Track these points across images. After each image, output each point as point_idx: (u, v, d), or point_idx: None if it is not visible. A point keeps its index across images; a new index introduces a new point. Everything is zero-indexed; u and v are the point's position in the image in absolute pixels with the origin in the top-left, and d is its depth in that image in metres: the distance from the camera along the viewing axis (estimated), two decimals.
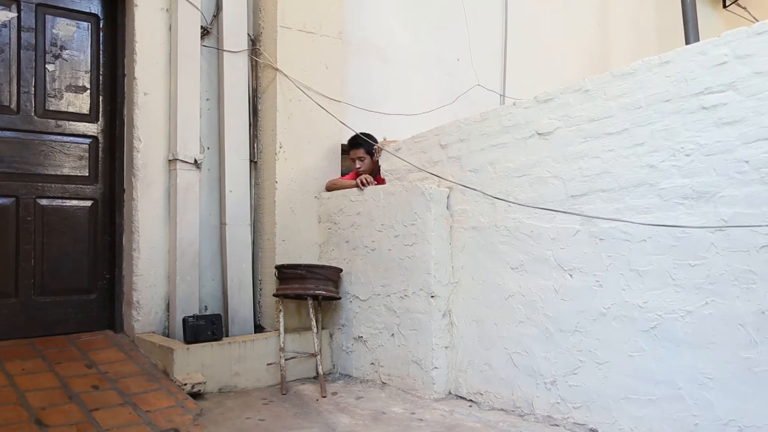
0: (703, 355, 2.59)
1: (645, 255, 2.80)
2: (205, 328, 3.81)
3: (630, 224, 2.84)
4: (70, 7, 4.15)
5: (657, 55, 2.83)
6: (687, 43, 6.10)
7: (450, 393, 3.70)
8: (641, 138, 2.84)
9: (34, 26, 4.00)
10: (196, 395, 3.55)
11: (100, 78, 4.25)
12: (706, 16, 7.55)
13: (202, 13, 4.30)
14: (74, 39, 4.16)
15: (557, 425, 3.10)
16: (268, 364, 3.97)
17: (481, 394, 3.53)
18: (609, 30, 7.09)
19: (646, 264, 2.79)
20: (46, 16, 4.05)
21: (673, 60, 2.75)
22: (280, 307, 4.01)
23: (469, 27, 5.81)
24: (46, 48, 4.05)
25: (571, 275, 3.11)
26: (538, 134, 3.30)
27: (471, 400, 3.58)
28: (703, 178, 2.62)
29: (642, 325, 2.80)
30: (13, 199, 3.90)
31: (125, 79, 4.20)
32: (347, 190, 4.32)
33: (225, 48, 4.36)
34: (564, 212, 3.12)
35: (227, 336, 4.14)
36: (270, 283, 4.31)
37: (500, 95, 6.03)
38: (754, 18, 8.10)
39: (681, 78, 2.71)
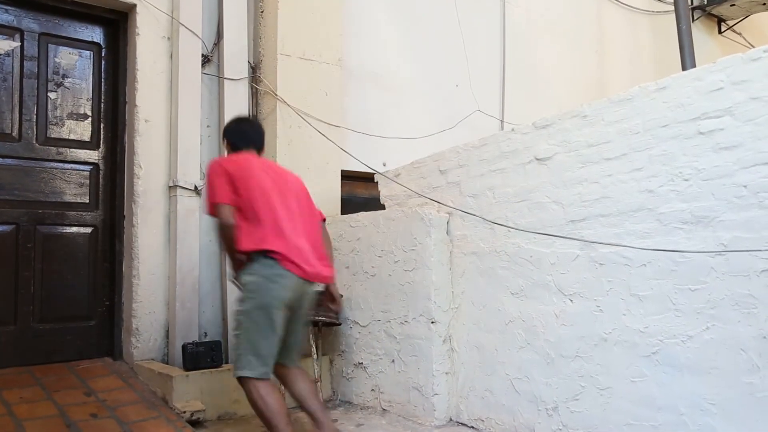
0: (705, 380, 2.58)
1: (645, 280, 2.80)
2: (205, 354, 3.78)
3: (630, 249, 2.85)
4: (73, 36, 4.19)
5: (654, 81, 2.86)
6: (683, 69, 6.15)
7: (451, 420, 3.67)
8: (639, 163, 2.85)
9: (36, 55, 4.04)
10: (196, 423, 3.51)
11: (102, 105, 4.28)
12: (702, 42, 7.63)
13: (203, 41, 4.35)
14: (76, 67, 4.20)
15: None
16: None
17: (483, 421, 3.50)
18: (606, 56, 7.15)
19: (647, 289, 2.79)
20: (49, 45, 4.09)
21: (670, 86, 2.78)
22: None
23: (467, 53, 5.87)
24: (49, 76, 4.09)
25: (571, 300, 3.10)
26: (537, 160, 3.32)
27: (472, 427, 3.55)
28: (701, 202, 2.63)
29: (643, 351, 2.79)
30: (14, 226, 3.90)
31: (126, 106, 4.23)
32: (349, 215, 4.33)
33: (226, 76, 4.40)
34: (563, 237, 3.13)
35: (227, 363, 4.11)
36: None
37: (499, 121, 6.07)
38: (749, 44, 8.19)
39: (678, 104, 2.73)
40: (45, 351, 3.92)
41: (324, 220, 3.34)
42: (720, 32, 8.37)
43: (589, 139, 3.08)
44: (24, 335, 3.88)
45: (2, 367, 3.72)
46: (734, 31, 8.38)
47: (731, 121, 2.56)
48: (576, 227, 3.10)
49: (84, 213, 4.17)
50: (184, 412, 3.50)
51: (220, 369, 3.82)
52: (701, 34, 7.87)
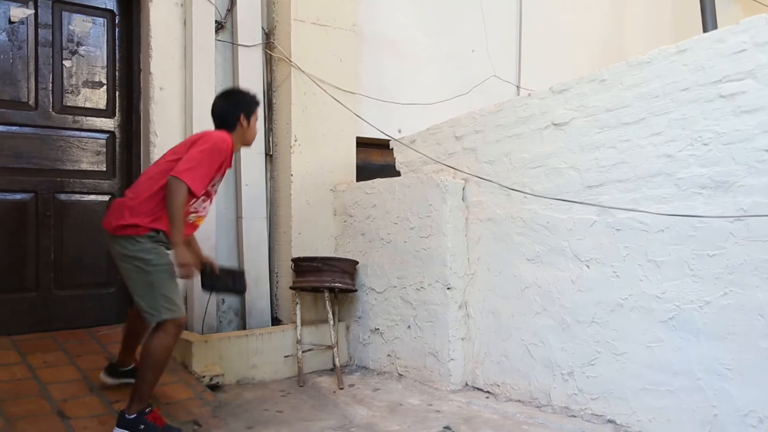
0: (722, 345, 2.57)
1: (663, 245, 2.78)
2: (225, 278, 3.46)
3: (647, 214, 2.82)
4: (86, 4, 4.17)
5: (674, 43, 2.80)
6: (705, 31, 6.03)
7: (467, 384, 3.70)
8: (658, 127, 2.82)
9: (51, 23, 4.03)
10: (215, 387, 3.58)
11: (117, 73, 4.28)
12: (724, 3, 7.44)
13: (216, 7, 4.31)
14: (90, 35, 4.19)
15: (575, 416, 3.10)
16: (285, 357, 4.00)
17: (498, 386, 3.53)
18: (624, 19, 7.02)
19: (664, 254, 2.78)
20: (63, 13, 4.08)
21: (691, 48, 2.72)
22: (297, 300, 4.03)
23: (484, 18, 5.78)
24: (63, 44, 4.08)
25: (587, 266, 3.09)
26: (554, 125, 3.28)
27: (488, 392, 3.58)
28: (721, 167, 2.59)
29: (660, 316, 2.78)
30: (32, 194, 3.94)
31: (141, 74, 4.22)
32: (365, 182, 4.32)
33: (239, 42, 4.37)
34: (580, 203, 3.11)
35: (245, 328, 4.16)
36: (286, 276, 4.33)
37: (515, 86, 6.00)
38: None
39: (699, 66, 2.68)
40: (66, 317, 3.99)
41: (174, 176, 2.81)
42: None
43: (606, 103, 3.04)
44: (45, 302, 3.95)
45: (25, 332, 3.79)
46: None
47: (754, 84, 2.51)
48: (593, 193, 3.08)
49: (101, 181, 4.20)
50: (204, 376, 3.56)
51: (238, 334, 3.88)
52: None
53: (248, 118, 3.18)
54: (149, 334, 2.86)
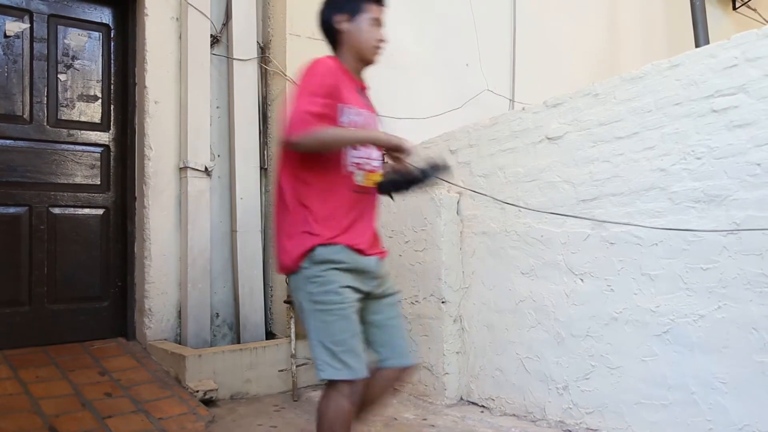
0: (717, 359, 2.57)
1: (656, 259, 2.79)
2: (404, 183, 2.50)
3: (641, 228, 2.83)
4: (82, 18, 4.18)
5: (666, 58, 2.82)
6: (697, 46, 6.08)
7: (462, 399, 3.69)
8: (651, 142, 2.83)
9: (46, 37, 4.04)
10: (209, 402, 3.55)
11: (112, 87, 4.29)
12: (716, 18, 7.52)
13: (211, 21, 4.33)
14: (86, 49, 4.20)
15: (570, 430, 3.09)
16: (279, 371, 3.97)
17: (493, 400, 3.52)
18: (618, 34, 7.07)
19: (658, 268, 2.78)
20: (58, 27, 4.09)
21: (683, 63, 2.74)
22: (292, 314, 4.01)
23: (477, 32, 5.81)
24: (58, 58, 4.09)
25: (582, 280, 3.10)
26: (548, 139, 3.30)
27: (483, 406, 3.57)
28: (714, 181, 2.61)
29: (654, 330, 2.78)
30: (26, 208, 3.93)
31: (136, 87, 4.24)
32: None
33: (235, 56, 4.39)
34: (574, 217, 3.11)
35: (239, 342, 4.15)
36: (281, 290, 4.32)
37: (509, 100, 6.02)
38: (765, 20, 8.07)
39: (691, 81, 2.70)
40: (59, 331, 3.97)
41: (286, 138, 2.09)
42: (734, 8, 8.25)
43: (600, 117, 3.05)
44: (38, 316, 3.92)
45: (18, 347, 3.77)
46: (749, 7, 8.25)
47: (745, 99, 2.53)
48: (587, 207, 3.08)
49: (95, 194, 4.19)
50: (197, 391, 3.54)
51: (232, 348, 3.86)
52: (715, 10, 7.76)
53: (352, 17, 2.27)
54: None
